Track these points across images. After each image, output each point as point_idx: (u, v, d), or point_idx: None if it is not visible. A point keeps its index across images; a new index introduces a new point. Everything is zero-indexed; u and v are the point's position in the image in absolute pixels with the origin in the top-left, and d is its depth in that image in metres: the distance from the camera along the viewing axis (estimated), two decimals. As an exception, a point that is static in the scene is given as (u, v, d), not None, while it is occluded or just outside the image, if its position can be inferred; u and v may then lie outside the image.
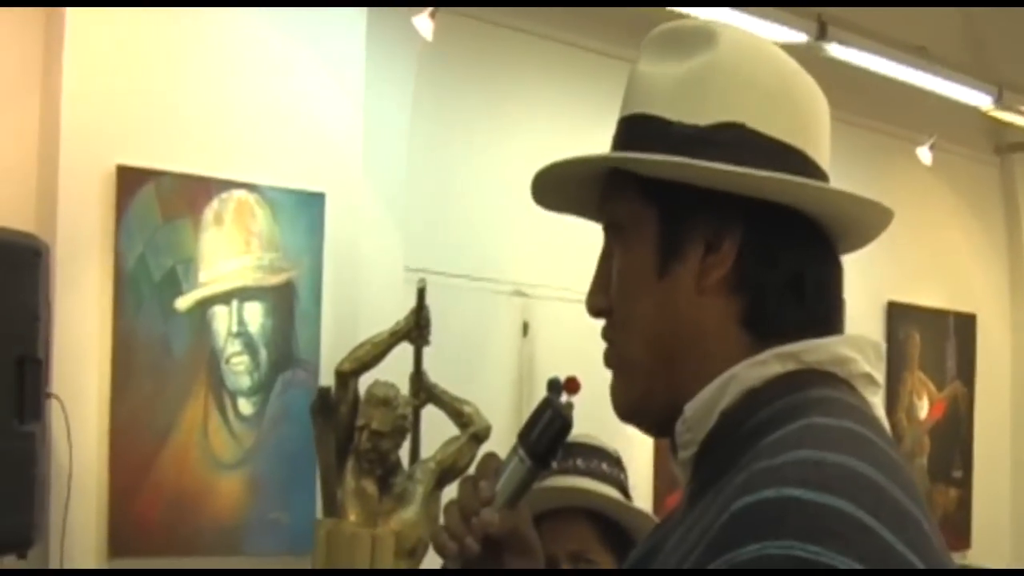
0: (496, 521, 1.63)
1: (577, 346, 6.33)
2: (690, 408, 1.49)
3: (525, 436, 1.68)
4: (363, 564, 4.27)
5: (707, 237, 1.50)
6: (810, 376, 1.47)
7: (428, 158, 6.39)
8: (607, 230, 1.60)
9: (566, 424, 1.69)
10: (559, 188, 1.65)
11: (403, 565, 4.54)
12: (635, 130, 1.56)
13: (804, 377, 1.47)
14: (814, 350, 1.48)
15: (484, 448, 4.75)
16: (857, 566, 1.21)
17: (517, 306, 6.70)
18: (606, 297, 1.58)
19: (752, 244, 1.49)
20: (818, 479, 1.27)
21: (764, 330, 1.50)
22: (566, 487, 2.75)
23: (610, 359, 1.59)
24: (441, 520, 1.70)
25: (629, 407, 1.58)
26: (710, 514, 1.34)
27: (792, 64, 1.59)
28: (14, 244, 4.36)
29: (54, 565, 4.85)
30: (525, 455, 1.67)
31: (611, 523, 2.72)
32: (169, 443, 5.17)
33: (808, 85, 1.59)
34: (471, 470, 1.74)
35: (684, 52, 1.55)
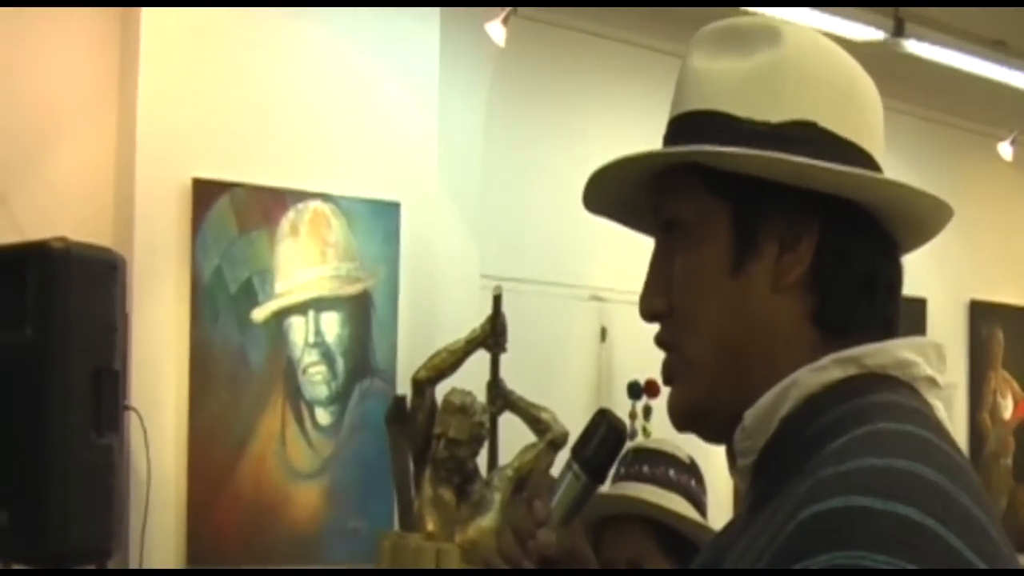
0: (553, 542, 1.60)
1: (655, 350, 6.32)
2: (750, 415, 1.46)
3: (579, 451, 1.65)
4: None
5: (783, 234, 1.47)
6: (871, 380, 1.43)
7: (503, 165, 6.37)
8: (665, 230, 1.56)
9: (621, 437, 1.67)
10: (604, 191, 1.62)
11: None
12: (698, 127, 1.52)
13: (865, 381, 1.43)
14: (875, 354, 1.45)
15: (562, 455, 4.73)
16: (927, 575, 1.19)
17: (594, 311, 6.67)
18: (664, 299, 1.53)
19: (828, 242, 1.46)
20: (885, 487, 1.24)
21: (835, 329, 1.47)
22: (620, 495, 2.74)
23: (673, 366, 1.54)
24: (495, 543, 1.67)
25: (691, 411, 1.53)
26: (775, 523, 1.31)
27: (854, 63, 1.56)
28: (91, 258, 4.37)
29: (134, 577, 4.88)
30: (580, 470, 1.64)
31: (671, 530, 2.70)
32: (246, 453, 5.19)
33: (868, 84, 1.56)
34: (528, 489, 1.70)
35: (746, 49, 1.52)
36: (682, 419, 1.54)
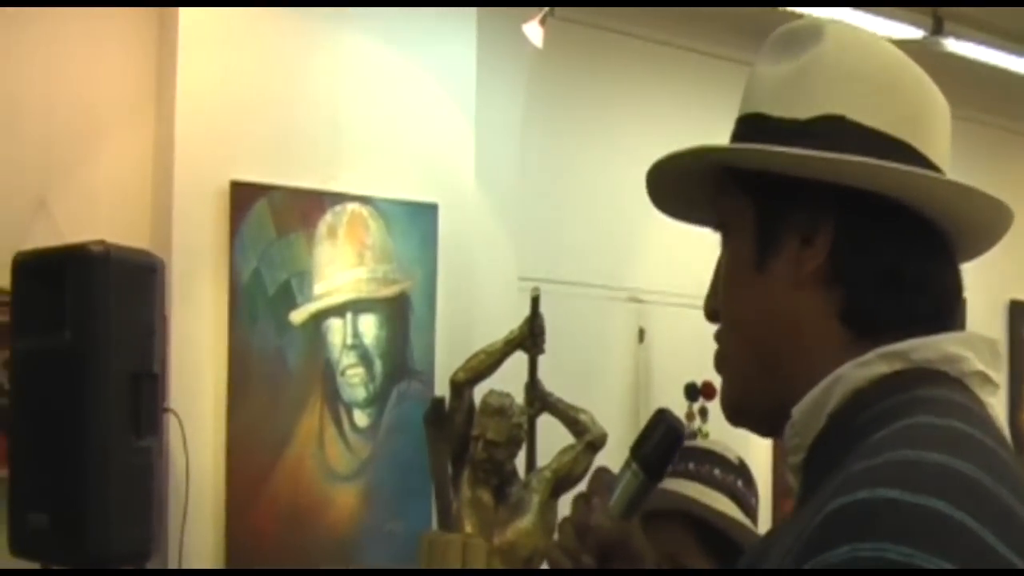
0: (608, 527, 1.63)
1: (694, 352, 6.31)
2: (797, 411, 1.45)
3: (638, 449, 1.67)
4: (455, 567, 4.25)
5: (802, 229, 1.47)
6: (918, 375, 1.42)
7: (540, 166, 6.37)
8: (718, 230, 1.59)
9: (680, 437, 1.69)
10: (674, 192, 1.64)
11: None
12: (743, 129, 1.55)
13: (912, 376, 1.42)
14: (922, 348, 1.43)
15: (600, 456, 4.72)
16: (949, 567, 1.15)
17: (632, 312, 6.67)
18: (717, 299, 1.57)
19: (846, 235, 1.45)
20: (915, 479, 1.22)
21: (863, 325, 1.45)
22: (667, 490, 2.72)
23: (718, 362, 1.57)
24: (556, 537, 1.69)
25: (733, 407, 1.56)
26: (807, 517, 1.30)
27: (902, 58, 1.55)
28: (130, 261, 4.39)
29: (173, 579, 4.90)
30: (638, 468, 1.66)
31: (712, 528, 2.69)
32: (285, 456, 5.20)
33: (918, 78, 1.54)
34: (584, 482, 1.73)
35: (795, 51, 1.53)
36: (730, 415, 1.56)
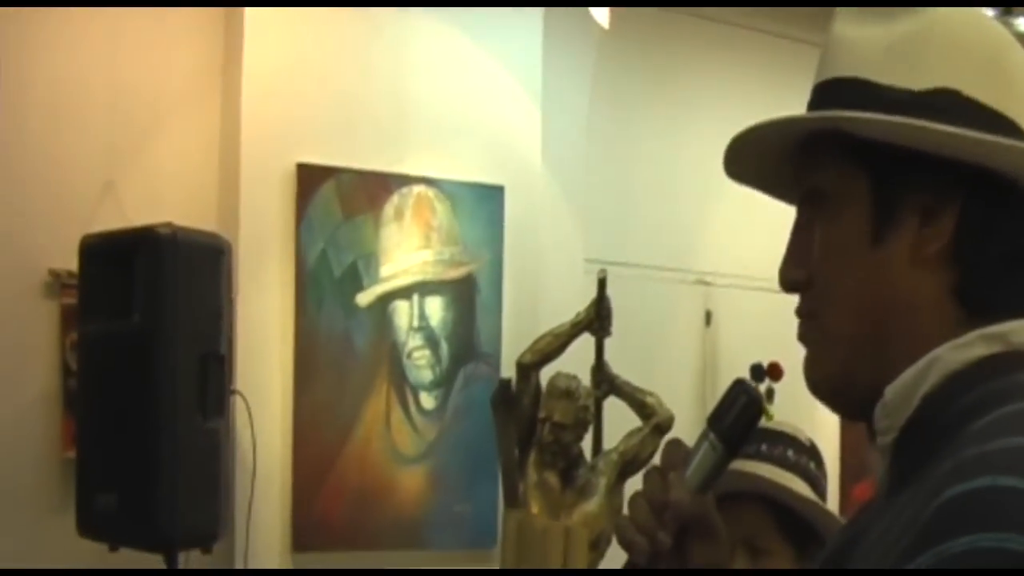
0: (687, 501, 1.54)
1: (761, 334, 6.27)
2: (891, 391, 1.40)
3: (717, 421, 1.59)
4: (556, 558, 4.20)
5: (924, 205, 1.41)
6: (1017, 359, 1.38)
7: (607, 147, 6.34)
8: (806, 200, 1.52)
9: (760, 409, 1.60)
10: (749, 159, 1.57)
11: (586, 558, 4.48)
12: (840, 93, 1.47)
13: (1011, 360, 1.37)
14: (1021, 330, 1.39)
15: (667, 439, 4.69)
16: None
17: (700, 295, 6.63)
18: (804, 270, 1.49)
19: (972, 215, 1.40)
20: None
21: (977, 306, 1.41)
22: (742, 472, 2.67)
23: (809, 333, 1.50)
24: (626, 512, 1.60)
25: (828, 383, 1.48)
26: (916, 504, 1.26)
27: (1005, 33, 1.50)
28: (197, 243, 4.40)
29: (239, 559, 4.91)
30: (717, 440, 1.58)
31: (790, 512, 2.63)
32: (352, 438, 5.20)
33: (1021, 54, 1.49)
34: (655, 461, 1.66)
35: (890, 16, 1.47)
36: (821, 391, 1.49)
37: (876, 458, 1.48)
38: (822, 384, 1.49)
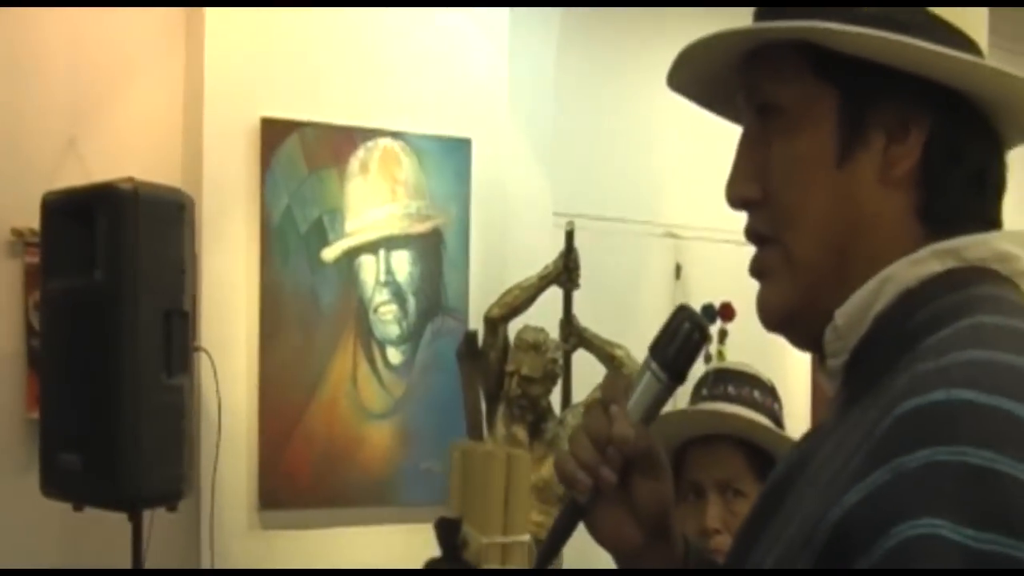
0: (632, 436, 1.48)
1: (731, 287, 6.25)
2: (841, 314, 1.37)
3: (660, 350, 1.51)
4: (498, 482, 4.15)
5: (892, 124, 1.37)
6: (971, 274, 1.35)
7: (575, 100, 6.30)
8: (760, 114, 1.45)
9: (705, 335, 1.54)
10: (693, 70, 1.51)
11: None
12: (802, 4, 1.41)
13: (965, 275, 1.35)
14: (974, 246, 1.36)
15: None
16: None
17: (669, 248, 6.60)
18: (757, 185, 1.43)
19: (940, 135, 1.37)
20: (990, 381, 1.16)
21: (939, 227, 1.38)
22: (717, 412, 2.63)
23: (767, 259, 1.44)
24: (567, 448, 1.53)
25: (788, 311, 1.43)
26: (869, 419, 1.23)
27: None
28: (159, 199, 4.35)
29: (205, 518, 4.89)
30: (660, 370, 1.51)
31: (761, 453, 2.58)
32: (318, 394, 5.17)
33: None
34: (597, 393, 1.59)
35: None
36: (775, 317, 1.44)
37: (825, 381, 1.44)
38: (779, 313, 1.44)
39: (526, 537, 4.14)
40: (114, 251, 4.22)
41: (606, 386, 1.55)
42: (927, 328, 1.29)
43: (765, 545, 1.36)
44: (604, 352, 4.93)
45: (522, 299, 4.92)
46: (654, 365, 1.52)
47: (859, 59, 1.37)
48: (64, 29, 5.04)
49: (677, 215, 6.60)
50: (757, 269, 1.45)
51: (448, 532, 3.87)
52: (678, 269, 6.62)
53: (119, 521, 4.25)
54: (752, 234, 1.46)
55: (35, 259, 4.67)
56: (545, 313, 4.97)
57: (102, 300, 4.22)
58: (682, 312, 1.54)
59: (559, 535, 1.56)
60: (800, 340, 1.47)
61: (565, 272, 4.98)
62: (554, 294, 5.00)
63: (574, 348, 5.01)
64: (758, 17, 1.47)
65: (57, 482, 4.33)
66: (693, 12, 6.66)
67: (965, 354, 1.20)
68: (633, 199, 6.51)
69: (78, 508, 4.35)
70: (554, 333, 4.90)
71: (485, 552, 4.02)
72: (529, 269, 5.02)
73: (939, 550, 1.09)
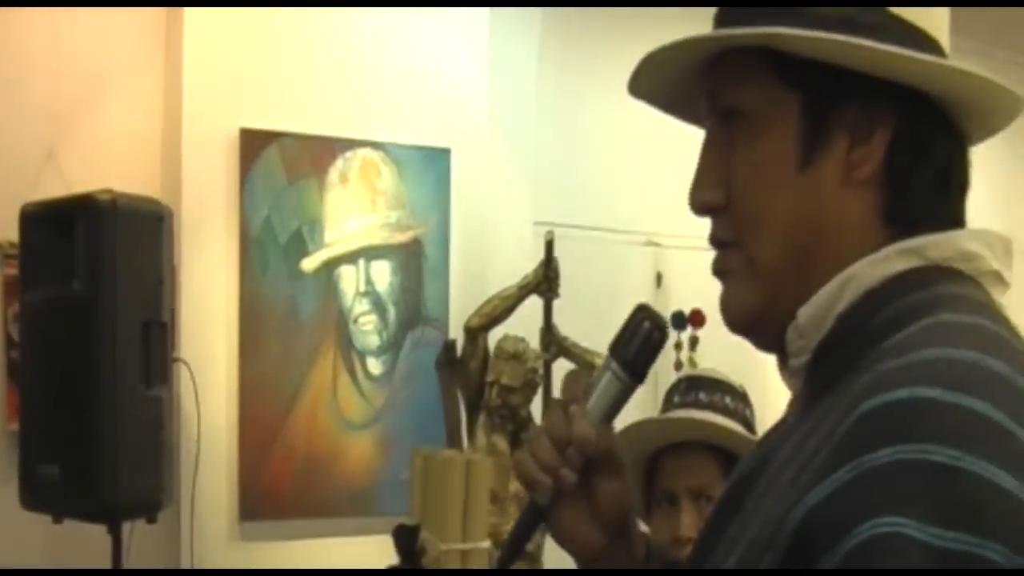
0: (592, 436, 1.49)
1: (712, 295, 6.23)
2: (804, 313, 1.37)
3: (620, 349, 1.53)
4: (457, 487, 4.14)
5: (855, 125, 1.38)
6: (934, 273, 1.35)
7: (555, 109, 6.30)
8: (722, 118, 1.45)
9: (664, 334, 1.55)
10: (654, 76, 1.52)
11: (487, 489, 4.42)
12: (761, 9, 1.41)
13: (928, 274, 1.35)
14: (938, 245, 1.37)
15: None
16: (995, 469, 1.10)
17: (649, 256, 6.61)
18: (720, 191, 1.43)
19: (904, 135, 1.38)
20: (953, 379, 1.16)
21: (904, 228, 1.38)
22: (689, 419, 2.64)
23: (729, 263, 1.44)
24: (528, 450, 1.53)
25: (752, 314, 1.43)
26: (832, 418, 1.23)
27: None
28: (138, 210, 4.34)
29: (185, 529, 4.88)
30: (620, 369, 1.53)
31: (734, 459, 2.57)
32: (298, 405, 5.17)
33: None
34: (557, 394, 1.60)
35: None
36: (739, 320, 1.44)
37: (787, 380, 1.44)
38: (744, 317, 1.44)
39: (486, 543, 4.14)
40: (93, 262, 4.21)
41: (566, 386, 1.57)
42: (890, 327, 1.29)
43: (726, 545, 1.36)
44: (584, 361, 4.93)
45: (502, 309, 4.92)
46: (614, 364, 1.53)
47: (820, 62, 1.37)
48: (42, 41, 5.03)
49: (658, 223, 6.60)
50: (719, 268, 1.46)
51: (406, 539, 3.87)
52: (659, 277, 6.62)
53: (99, 533, 4.25)
54: (715, 241, 1.46)
55: (14, 270, 4.65)
56: (525, 322, 4.97)
57: (81, 311, 4.21)
58: (641, 311, 1.56)
59: (520, 536, 1.57)
60: (763, 341, 1.46)
61: (545, 281, 4.98)
62: (534, 303, 5.00)
63: (554, 357, 5.00)
64: (719, 20, 1.47)
65: (37, 494, 4.32)
66: (672, 22, 6.67)
67: (928, 352, 1.21)
68: (613, 208, 6.51)
69: (58, 520, 4.34)
70: (534, 342, 4.89)
71: (444, 558, 4.02)
72: (509, 279, 5.02)
73: (903, 548, 1.09)
